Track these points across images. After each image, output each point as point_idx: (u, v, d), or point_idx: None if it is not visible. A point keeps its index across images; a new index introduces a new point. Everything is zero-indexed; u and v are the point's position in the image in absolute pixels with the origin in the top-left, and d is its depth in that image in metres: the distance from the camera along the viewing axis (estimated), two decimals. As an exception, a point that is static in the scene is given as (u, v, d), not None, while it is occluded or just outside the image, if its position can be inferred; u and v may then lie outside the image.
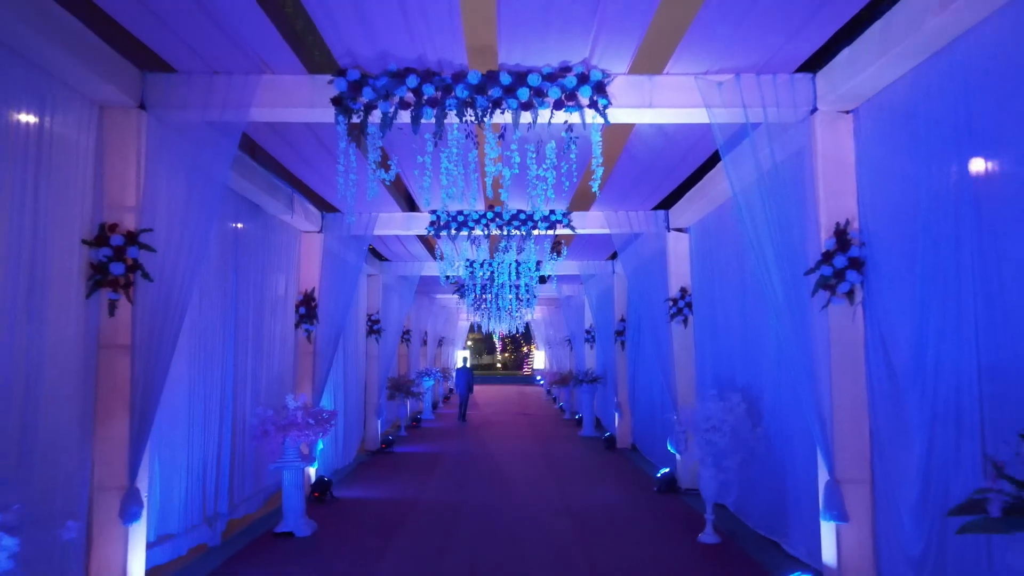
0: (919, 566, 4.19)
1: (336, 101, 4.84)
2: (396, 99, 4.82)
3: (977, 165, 3.72)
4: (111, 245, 4.66)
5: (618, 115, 5.07)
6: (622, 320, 13.88)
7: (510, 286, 13.71)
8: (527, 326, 32.33)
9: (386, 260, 13.92)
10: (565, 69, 4.85)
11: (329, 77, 4.87)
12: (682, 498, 8.79)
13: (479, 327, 22.12)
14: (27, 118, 4.07)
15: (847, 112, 4.97)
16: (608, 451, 13.31)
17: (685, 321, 9.33)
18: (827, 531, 4.86)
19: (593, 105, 4.88)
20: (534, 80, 4.80)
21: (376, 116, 4.89)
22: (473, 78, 4.79)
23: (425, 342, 23.05)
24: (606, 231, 9.68)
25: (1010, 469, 2.50)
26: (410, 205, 11.78)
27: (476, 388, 32.11)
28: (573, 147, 4.99)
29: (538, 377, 36.80)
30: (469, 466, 11.71)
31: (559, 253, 11.07)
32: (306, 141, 6.46)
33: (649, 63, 4.99)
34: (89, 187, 4.65)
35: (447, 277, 12.67)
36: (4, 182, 3.86)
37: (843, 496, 4.68)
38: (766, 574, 5.75)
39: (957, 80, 3.86)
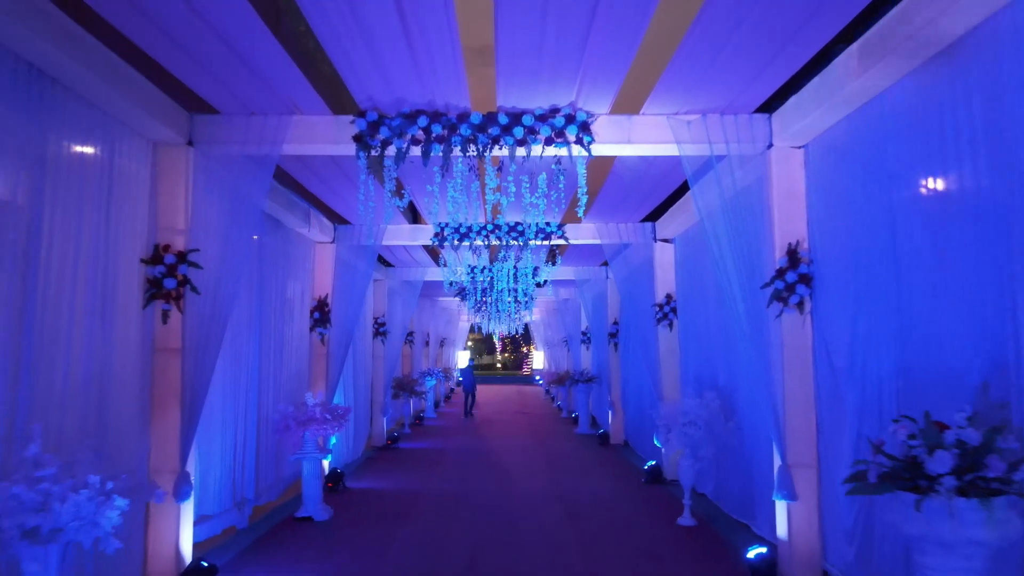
0: (851, 536, 4.96)
1: (357, 138, 5.61)
2: (409, 137, 5.59)
3: (894, 201, 4.49)
4: (164, 263, 5.43)
5: (601, 149, 5.84)
6: (615, 323, 14.64)
7: (509, 290, 14.46)
8: (526, 327, 33.10)
9: (391, 266, 14.70)
10: (554, 111, 5.62)
11: (351, 118, 5.65)
12: (666, 488, 9.55)
13: (479, 328, 22.88)
14: (98, 155, 4.84)
15: (798, 147, 5.74)
16: (602, 447, 14.08)
17: (670, 325, 10.10)
18: (780, 509, 5.64)
19: (579, 141, 5.65)
20: (528, 120, 5.57)
21: (391, 151, 5.66)
22: (475, 119, 5.56)
23: (427, 343, 23.82)
24: (597, 241, 10.45)
25: (888, 447, 3.26)
26: (415, 217, 12.55)
27: (476, 388, 32.83)
28: (561, 178, 5.77)
29: (537, 377, 37.52)
30: (470, 461, 12.49)
31: (554, 262, 11.82)
32: (323, 164, 7.23)
33: (627, 105, 5.76)
34: (145, 213, 5.43)
35: (451, 284, 13.42)
36: (84, 210, 4.63)
37: (793, 478, 5.45)
38: (734, 550, 6.51)
39: (878, 128, 4.64)
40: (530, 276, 12.99)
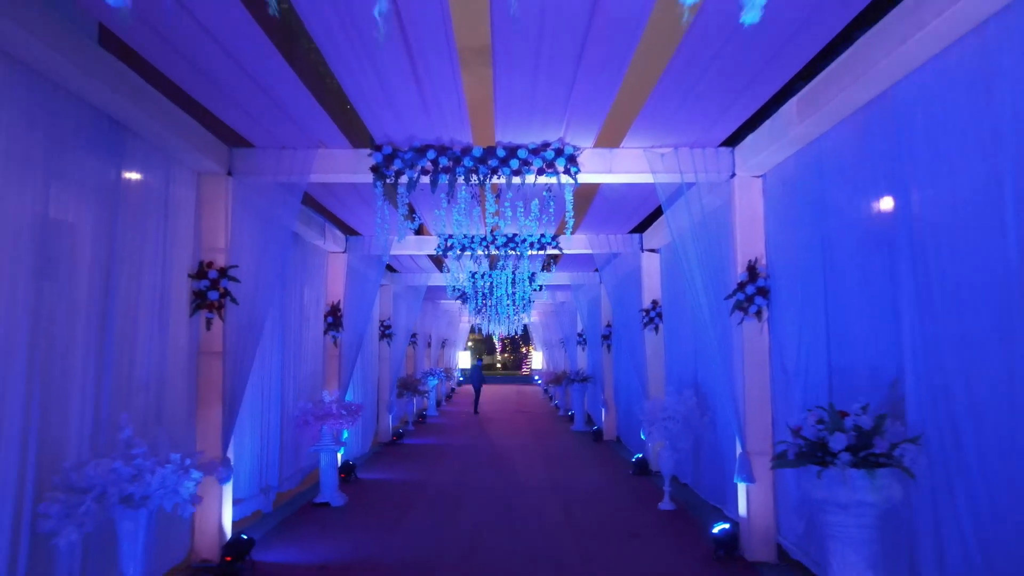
0: (798, 512, 5.82)
1: (374, 169, 6.47)
2: (419, 168, 6.45)
3: (827, 227, 5.35)
4: (208, 278, 6.28)
5: (586, 178, 6.70)
6: (608, 326, 15.48)
7: (507, 295, 15.32)
8: (525, 328, 33.96)
9: (396, 272, 15.56)
10: (545, 145, 6.48)
11: (368, 151, 6.50)
12: (651, 479, 10.41)
13: (479, 329, 23.73)
14: (156, 185, 5.69)
15: (758, 177, 6.59)
16: (595, 443, 14.94)
17: (656, 329, 10.95)
18: (740, 490, 6.49)
19: (567, 171, 6.50)
20: (522, 153, 6.42)
21: (404, 180, 6.51)
22: (476, 152, 6.42)
23: (429, 344, 24.67)
24: (590, 251, 11.30)
25: (804, 432, 4.11)
26: (420, 228, 13.41)
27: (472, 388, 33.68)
28: (551, 203, 6.62)
29: (536, 377, 38.36)
30: (471, 456, 13.35)
31: (549, 269, 12.68)
32: (341, 187, 8.08)
33: (609, 139, 6.61)
34: (192, 234, 6.28)
35: (453, 289, 14.29)
36: (146, 232, 5.48)
37: (751, 464, 6.30)
38: (705, 530, 7.35)
39: (816, 166, 5.49)
40: (527, 282, 13.84)
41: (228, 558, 6.00)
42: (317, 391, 10.01)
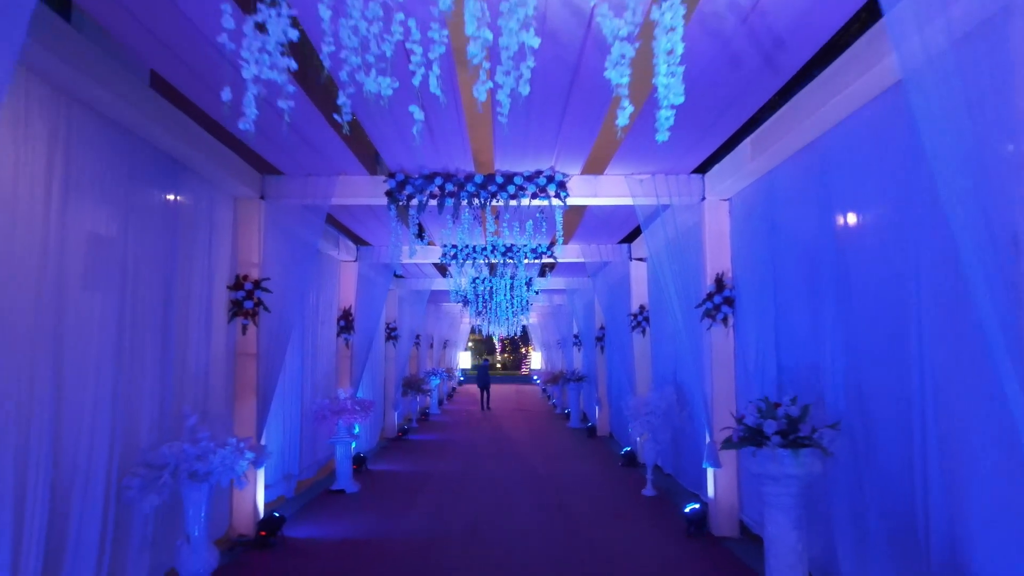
0: (757, 493, 6.73)
1: (388, 194, 7.39)
2: (427, 192, 7.36)
3: (776, 246, 6.27)
4: (244, 289, 7.19)
5: (574, 201, 7.62)
6: (601, 328, 16.39)
7: (506, 300, 16.23)
8: (524, 329, 34.87)
9: (402, 277, 16.47)
10: (538, 172, 7.40)
11: (383, 178, 7.42)
12: (638, 470, 11.33)
13: (480, 330, 24.63)
14: (203, 209, 6.61)
15: (725, 200, 7.50)
16: (589, 438, 15.87)
17: (643, 332, 11.86)
18: (709, 475, 7.41)
19: (557, 195, 7.42)
20: (518, 180, 7.34)
21: (414, 203, 7.43)
22: (478, 179, 7.34)
23: (431, 345, 25.59)
24: (582, 260, 12.23)
25: (746, 420, 5.02)
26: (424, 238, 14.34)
27: (477, 387, 34.63)
28: (544, 224, 7.54)
29: (535, 377, 39.27)
30: (472, 451, 14.28)
31: (545, 275, 13.60)
32: (358, 207, 9.00)
33: (594, 167, 7.52)
34: (229, 251, 7.20)
35: (456, 293, 15.21)
36: (194, 249, 6.40)
37: (718, 452, 7.22)
38: (681, 511, 8.27)
39: (769, 195, 6.41)
40: (524, 288, 14.76)
41: (263, 533, 6.92)
42: (331, 389, 10.93)
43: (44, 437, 4.22)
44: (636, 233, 11.45)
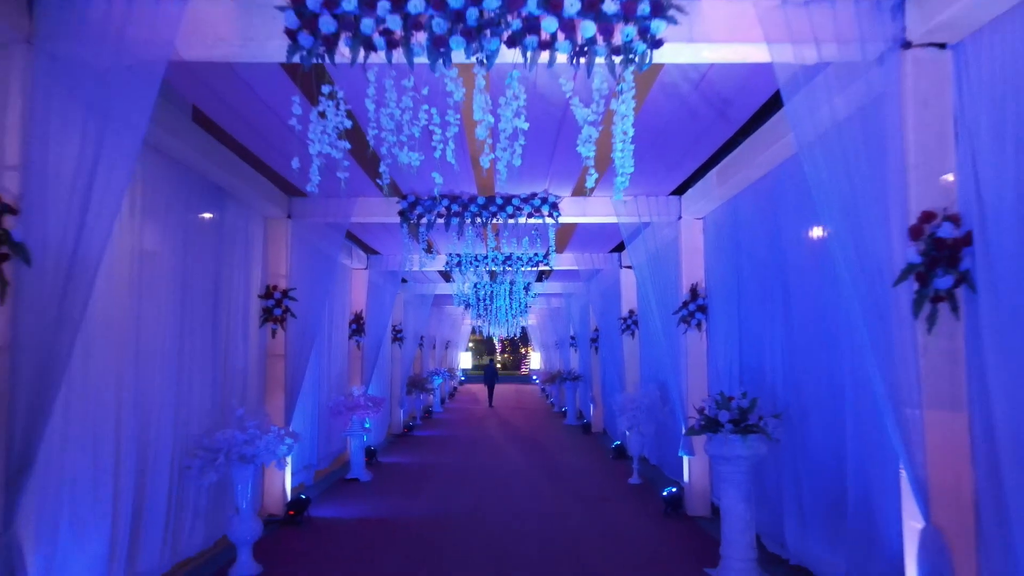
0: (723, 476, 7.70)
1: (401, 213, 8.35)
2: (435, 212, 8.33)
3: (740, 261, 7.24)
4: (273, 298, 8.15)
5: (565, 219, 8.58)
6: (596, 330, 17.34)
7: (506, 304, 17.20)
8: (524, 330, 35.84)
9: (407, 282, 17.43)
10: (533, 195, 8.36)
11: (397, 199, 8.39)
12: (627, 461, 12.26)
13: (480, 331, 25.59)
14: (241, 229, 7.56)
15: (699, 219, 8.47)
16: (584, 434, 16.83)
17: (633, 334, 12.83)
18: (685, 462, 8.37)
19: (550, 215, 8.39)
20: (516, 201, 8.30)
21: (424, 221, 8.39)
22: (480, 200, 8.30)
23: (434, 346, 26.55)
24: (577, 268, 13.19)
25: (706, 411, 5.97)
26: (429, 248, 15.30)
27: (477, 387, 35.63)
28: (538, 241, 8.51)
29: (534, 377, 40.22)
30: (474, 445, 15.25)
31: (541, 281, 14.56)
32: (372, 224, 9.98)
33: (582, 190, 8.48)
34: (260, 264, 8.16)
35: (459, 296, 16.18)
36: (234, 263, 7.35)
37: (692, 441, 8.17)
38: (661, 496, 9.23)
39: (733, 217, 7.38)
40: (521, 293, 15.74)
41: (291, 512, 7.89)
42: (344, 387, 11.89)
43: (130, 422, 5.19)
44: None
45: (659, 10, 3.63)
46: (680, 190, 8.51)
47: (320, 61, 3.74)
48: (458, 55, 3.69)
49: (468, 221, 8.39)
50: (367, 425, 11.26)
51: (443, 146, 3.89)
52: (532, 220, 8.45)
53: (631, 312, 12.87)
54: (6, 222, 3.54)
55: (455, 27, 3.62)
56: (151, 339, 5.63)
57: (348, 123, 3.75)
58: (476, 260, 12.62)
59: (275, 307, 8.17)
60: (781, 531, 6.13)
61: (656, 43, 3.69)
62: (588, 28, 3.62)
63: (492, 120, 3.73)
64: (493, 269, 12.87)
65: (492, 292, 16.28)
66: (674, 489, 8.38)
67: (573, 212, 8.53)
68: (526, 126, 3.71)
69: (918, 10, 3.69)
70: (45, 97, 3.66)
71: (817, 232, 5.58)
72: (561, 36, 3.66)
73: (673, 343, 8.50)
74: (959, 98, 3.71)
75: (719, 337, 7.99)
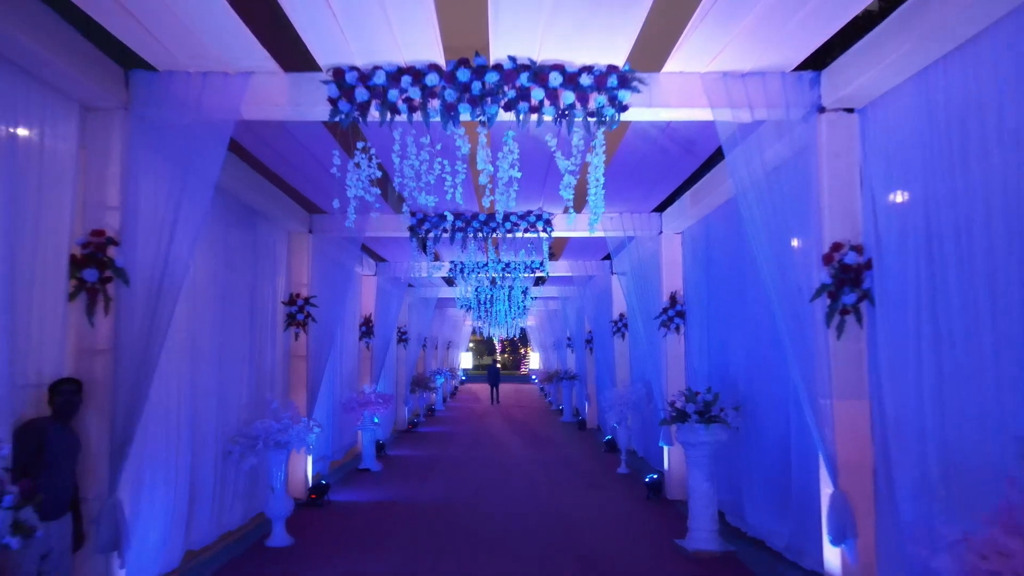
0: (697, 463, 8.67)
1: (410, 228, 9.32)
2: (441, 227, 9.29)
3: (710, 273, 8.20)
4: (296, 304, 9.11)
5: (558, 234, 9.55)
6: (590, 332, 18.29)
7: (505, 308, 18.15)
8: (523, 331, 36.76)
9: (412, 286, 18.40)
10: (528, 212, 9.32)
11: (408, 215, 9.35)
12: (617, 455, 13.20)
13: (480, 331, 26.52)
14: (268, 243, 8.52)
15: (678, 233, 9.43)
16: (579, 430, 17.80)
17: (623, 336, 13.79)
18: (664, 452, 9.33)
19: (544, 230, 9.35)
20: (513, 219, 9.26)
21: (431, 236, 9.36)
22: (482, 217, 9.26)
23: (436, 347, 27.51)
24: (571, 274, 14.15)
25: (677, 404, 6.93)
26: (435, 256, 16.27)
27: (477, 386, 36.59)
28: (534, 254, 9.49)
29: (533, 376, 41.14)
30: (475, 440, 16.22)
31: (538, 285, 15.52)
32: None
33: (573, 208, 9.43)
34: (284, 274, 9.12)
35: (460, 298, 17.15)
36: (265, 275, 8.31)
37: (671, 432, 9.13)
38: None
39: (705, 233, 8.34)
40: (519, 297, 16.71)
41: (313, 495, 8.85)
42: (355, 385, 12.85)
43: (187, 412, 6.17)
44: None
45: (625, 83, 4.62)
46: (661, 207, 9.48)
47: (355, 121, 4.72)
48: (465, 117, 4.67)
49: (470, 235, 9.35)
50: (376, 420, 12.22)
51: (453, 190, 4.83)
52: (528, 234, 9.42)
53: (621, 316, 13.82)
54: (110, 251, 4.51)
55: (463, 96, 4.61)
56: (200, 341, 6.59)
57: (378, 173, 4.69)
58: (478, 267, 13.59)
59: (298, 313, 9.13)
60: (742, 508, 7.10)
61: (623, 108, 4.68)
62: (568, 96, 4.61)
63: (492, 169, 4.69)
64: (493, 275, 13.85)
65: (492, 296, 17.24)
66: (655, 476, 9.34)
67: (564, 228, 9.49)
68: (519, 175, 4.69)
69: (831, 82, 4.66)
70: (138, 152, 4.63)
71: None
72: (547, 102, 4.65)
73: (655, 345, 9.46)
74: (863, 151, 4.68)
75: (695, 339, 8.95)
